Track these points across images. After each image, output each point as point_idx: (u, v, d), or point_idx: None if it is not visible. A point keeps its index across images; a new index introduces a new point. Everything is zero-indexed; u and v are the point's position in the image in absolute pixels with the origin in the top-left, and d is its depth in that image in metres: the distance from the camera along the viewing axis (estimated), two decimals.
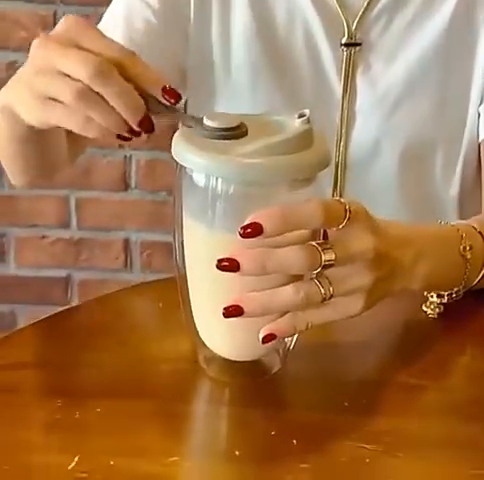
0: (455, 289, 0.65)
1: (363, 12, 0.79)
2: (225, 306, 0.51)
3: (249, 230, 0.49)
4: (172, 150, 0.53)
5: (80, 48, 0.52)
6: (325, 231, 0.53)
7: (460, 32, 0.79)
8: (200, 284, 0.56)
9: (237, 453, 0.51)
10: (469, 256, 0.62)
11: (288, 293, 0.51)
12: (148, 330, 0.65)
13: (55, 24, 0.54)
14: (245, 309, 0.51)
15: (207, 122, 0.52)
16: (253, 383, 0.58)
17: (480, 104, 0.81)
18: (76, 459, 0.50)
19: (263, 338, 0.52)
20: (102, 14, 0.83)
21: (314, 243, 0.51)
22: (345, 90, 0.80)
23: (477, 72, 0.80)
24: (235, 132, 0.52)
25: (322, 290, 0.51)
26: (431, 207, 0.85)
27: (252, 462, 0.51)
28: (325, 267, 0.51)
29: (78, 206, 1.57)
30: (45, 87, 0.53)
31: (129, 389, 0.57)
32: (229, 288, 0.52)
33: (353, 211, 0.52)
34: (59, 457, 0.50)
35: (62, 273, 1.61)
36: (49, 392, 0.56)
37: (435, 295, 0.65)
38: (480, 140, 0.81)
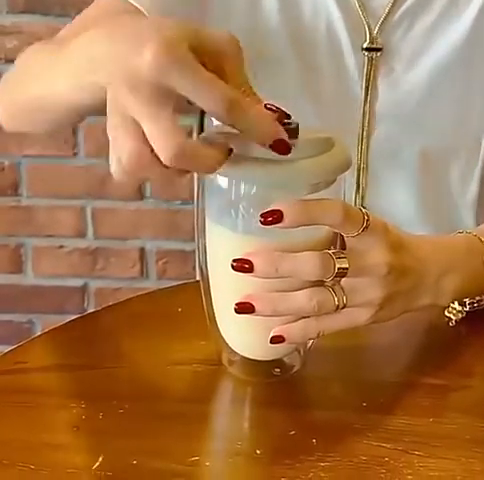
0: (477, 298, 0.65)
1: (385, 17, 0.78)
2: (237, 302, 0.52)
3: (270, 218, 0.49)
4: None
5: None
6: (342, 242, 0.53)
7: (482, 36, 0.78)
8: (223, 286, 0.56)
9: (258, 452, 0.52)
10: None
11: (301, 298, 0.52)
12: (167, 333, 0.65)
13: None
14: (256, 307, 0.52)
15: None
16: (273, 383, 0.59)
17: None
18: (100, 459, 0.51)
19: (271, 338, 0.53)
20: None
21: (329, 251, 0.52)
22: (366, 93, 0.79)
23: None
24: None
25: (336, 299, 0.52)
26: (448, 210, 0.85)
27: (272, 461, 0.51)
28: (338, 275, 0.51)
29: (94, 216, 1.58)
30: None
31: (151, 390, 0.58)
32: (251, 290, 0.53)
33: (371, 222, 0.52)
34: (84, 457, 0.51)
35: (79, 282, 1.62)
36: (73, 394, 0.57)
37: (457, 302, 0.65)
38: None
